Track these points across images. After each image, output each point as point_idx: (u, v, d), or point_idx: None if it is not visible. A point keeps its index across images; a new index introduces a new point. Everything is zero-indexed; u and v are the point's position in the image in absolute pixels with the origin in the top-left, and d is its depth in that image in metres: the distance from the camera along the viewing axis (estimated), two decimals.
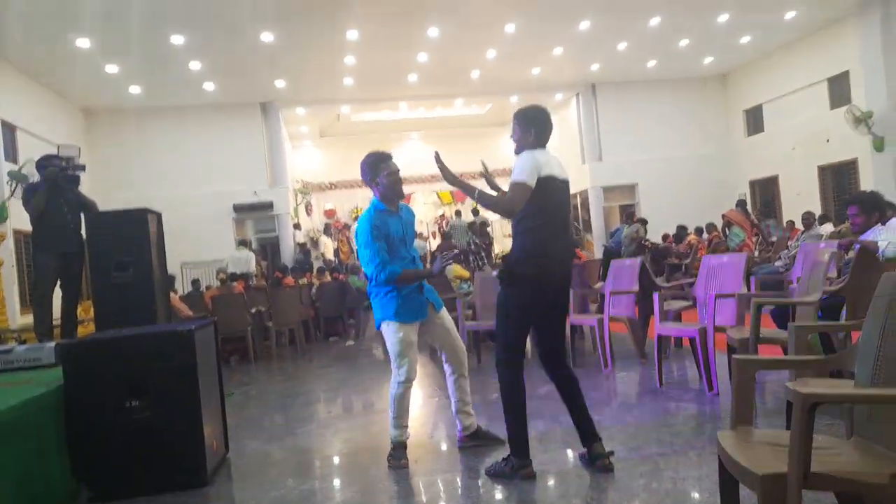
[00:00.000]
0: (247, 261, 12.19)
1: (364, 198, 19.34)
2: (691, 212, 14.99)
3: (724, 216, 11.58)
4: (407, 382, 3.53)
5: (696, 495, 2.78)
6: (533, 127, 3.19)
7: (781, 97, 15.04)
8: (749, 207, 16.15)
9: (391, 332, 3.54)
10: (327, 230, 17.50)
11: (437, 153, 3.36)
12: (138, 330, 3.89)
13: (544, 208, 3.07)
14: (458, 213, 16.79)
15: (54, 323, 5.45)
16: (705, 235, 13.43)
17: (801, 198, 13.96)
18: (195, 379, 3.47)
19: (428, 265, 4.01)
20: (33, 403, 3.15)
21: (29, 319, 6.23)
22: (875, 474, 1.67)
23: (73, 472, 3.36)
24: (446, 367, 3.75)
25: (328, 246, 16.82)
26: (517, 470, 3.09)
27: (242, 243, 13.03)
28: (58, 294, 5.37)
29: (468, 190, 3.26)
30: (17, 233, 10.26)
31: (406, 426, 3.57)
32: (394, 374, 3.56)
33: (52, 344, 4.14)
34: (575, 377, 3.26)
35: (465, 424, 3.69)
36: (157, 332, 3.71)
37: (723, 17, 12.37)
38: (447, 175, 3.32)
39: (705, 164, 16.42)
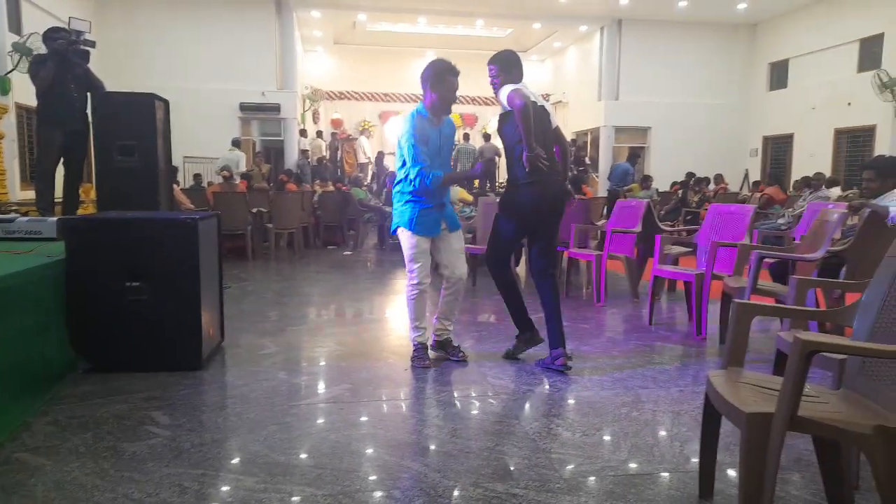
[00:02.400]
0: (237, 161, 12.09)
1: (371, 112, 19.05)
2: (701, 161, 14.86)
3: (762, 193, 11.02)
4: (421, 285, 3.69)
5: (674, 428, 2.88)
6: (514, 67, 3.68)
7: (810, 54, 14.60)
8: (759, 163, 16.04)
9: (405, 239, 3.70)
10: (319, 134, 17.22)
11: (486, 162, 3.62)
12: (144, 214, 3.89)
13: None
14: (466, 137, 16.53)
15: (56, 200, 5.43)
16: (712, 185, 13.37)
17: (813, 159, 13.80)
18: (196, 266, 3.51)
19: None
20: (35, 273, 3.18)
21: (28, 194, 6.23)
22: (859, 424, 1.72)
23: (71, 344, 3.44)
24: (444, 284, 3.83)
25: (321, 148, 16.58)
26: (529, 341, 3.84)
27: (235, 143, 12.86)
28: (60, 172, 5.33)
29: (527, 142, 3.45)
30: (19, 107, 10.07)
31: (425, 328, 3.78)
32: (408, 279, 3.73)
33: (55, 219, 4.14)
34: (557, 288, 3.75)
35: (437, 330, 3.89)
36: (163, 218, 3.71)
37: None
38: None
39: (721, 114, 16.13)
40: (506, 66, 3.67)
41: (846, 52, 13.63)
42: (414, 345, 3.79)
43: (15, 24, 10.52)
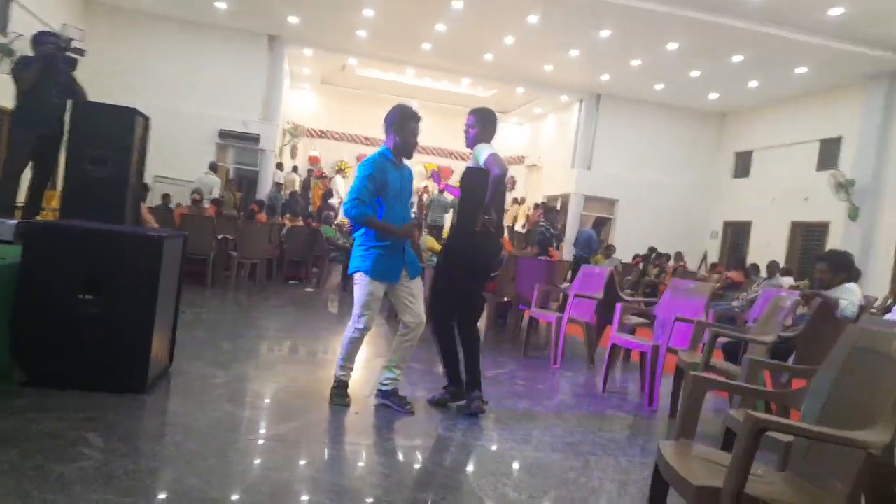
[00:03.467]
0: (211, 185, 11.99)
1: (350, 153, 19.18)
2: (663, 237, 15.29)
3: (724, 275, 11.23)
4: (365, 331, 3.70)
5: (619, 498, 2.86)
6: (489, 125, 3.89)
7: (773, 147, 15.35)
8: (718, 246, 16.57)
9: (362, 284, 3.66)
10: (295, 169, 17.26)
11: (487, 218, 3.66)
12: (108, 225, 3.79)
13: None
14: (441, 192, 16.72)
15: (17, 204, 5.27)
16: (672, 262, 13.73)
17: (769, 248, 14.33)
18: (155, 285, 3.42)
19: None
20: None
21: None
22: None
23: (10, 352, 3.29)
24: (401, 329, 3.78)
25: (294, 182, 16.58)
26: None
27: (212, 167, 12.76)
28: (26, 177, 5.19)
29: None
30: None
31: (351, 368, 3.76)
32: (353, 320, 3.70)
33: (14, 221, 4.01)
34: (478, 334, 3.97)
35: (386, 380, 3.76)
36: (127, 232, 3.63)
37: (738, 58, 12.51)
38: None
39: (687, 195, 16.73)
40: (482, 121, 3.88)
41: (807, 150, 14.38)
42: (337, 381, 3.73)
43: (2, 23, 10.43)
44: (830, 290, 4.53)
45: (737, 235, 16.38)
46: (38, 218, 5.57)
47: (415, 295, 3.76)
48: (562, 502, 2.73)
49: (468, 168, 3.88)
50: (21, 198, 5.32)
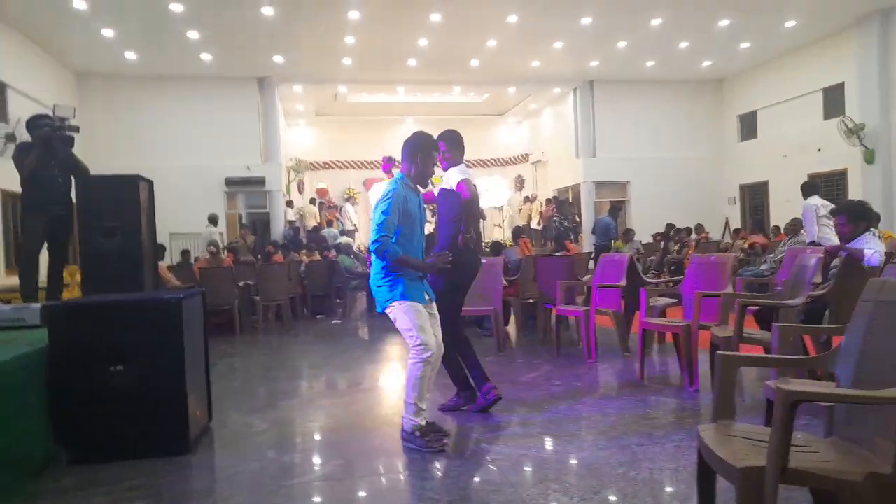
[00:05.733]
0: (209, 236, 12.10)
1: (356, 179, 19.29)
2: (682, 212, 15.11)
3: (750, 241, 11.14)
4: (432, 356, 3.45)
5: (672, 486, 2.83)
6: (459, 146, 4.19)
7: (776, 105, 15.14)
8: (739, 211, 16.35)
9: (405, 310, 3.48)
10: (313, 201, 17.45)
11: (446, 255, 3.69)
12: (125, 296, 3.87)
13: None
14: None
15: (40, 285, 5.40)
16: (694, 236, 13.57)
17: (790, 204, 14.09)
18: (181, 347, 3.47)
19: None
20: (16, 363, 3.13)
21: (14, 280, 6.16)
22: (850, 472, 1.71)
23: (53, 435, 3.35)
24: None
25: (314, 216, 16.73)
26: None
27: (211, 220, 12.91)
28: (44, 256, 5.32)
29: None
30: (3, 193, 10.13)
31: (425, 409, 3.49)
32: (415, 353, 3.45)
33: (38, 305, 4.10)
34: (467, 337, 4.20)
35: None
36: (145, 299, 3.69)
37: (724, 22, 12.40)
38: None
39: (698, 166, 16.54)
40: (452, 145, 4.16)
41: (811, 101, 14.16)
42: (418, 429, 3.42)
43: (2, 112, 10.71)
44: (854, 241, 4.45)
45: (755, 197, 16.15)
46: (65, 293, 5.71)
47: (435, 318, 3.71)
48: (613, 500, 2.70)
49: (443, 190, 4.16)
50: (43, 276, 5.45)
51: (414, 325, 3.45)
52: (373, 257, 3.61)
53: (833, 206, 7.56)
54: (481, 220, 12.37)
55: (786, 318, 4.04)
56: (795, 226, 9.83)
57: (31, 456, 3.22)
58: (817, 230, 7.90)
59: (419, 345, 3.44)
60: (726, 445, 1.98)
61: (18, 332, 3.89)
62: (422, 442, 3.40)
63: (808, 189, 8.38)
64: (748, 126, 16.30)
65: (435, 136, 3.90)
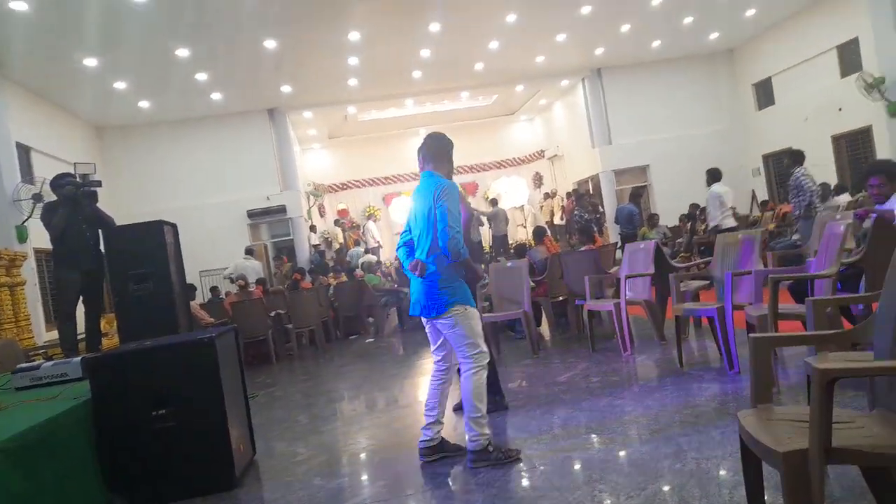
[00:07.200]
0: (257, 270, 12.09)
1: (375, 197, 19.40)
2: (704, 190, 14.83)
3: (780, 210, 10.95)
4: (487, 360, 3.40)
5: (720, 474, 2.78)
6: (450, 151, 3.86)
7: (790, 68, 14.81)
8: (764, 182, 15.99)
9: (472, 317, 3.38)
10: (337, 222, 17.66)
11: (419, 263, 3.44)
12: (161, 340, 3.95)
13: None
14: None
15: (79, 337, 5.55)
16: None
17: (816, 169, 13.76)
18: (219, 385, 3.53)
19: None
20: (63, 418, 3.22)
21: (54, 335, 6.36)
22: (894, 446, 1.66)
23: (106, 484, 3.43)
24: (441, 364, 3.62)
25: (339, 237, 16.89)
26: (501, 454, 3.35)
27: (249, 252, 12.98)
28: (81, 309, 5.47)
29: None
30: (37, 252, 10.43)
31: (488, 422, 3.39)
32: (470, 360, 3.34)
33: (78, 358, 4.21)
34: None
35: (438, 432, 3.55)
36: (180, 342, 3.77)
37: None
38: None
39: (717, 141, 16.21)
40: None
41: (826, 61, 13.83)
42: (490, 445, 3.31)
43: (28, 174, 11.05)
44: (887, 202, 4.31)
45: (780, 166, 15.79)
46: (104, 342, 5.86)
47: None
48: (660, 495, 2.66)
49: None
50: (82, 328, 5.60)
51: (476, 332, 3.37)
52: (428, 258, 3.39)
53: (731, 190, 9.17)
54: (479, 226, 12.56)
55: (821, 290, 3.94)
56: (824, 192, 9.61)
57: None
58: (720, 216, 8.53)
59: (480, 352, 3.36)
60: (768, 430, 1.93)
61: (62, 386, 3.99)
62: (500, 455, 3.30)
63: (713, 176, 8.72)
64: (765, 94, 15.97)
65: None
